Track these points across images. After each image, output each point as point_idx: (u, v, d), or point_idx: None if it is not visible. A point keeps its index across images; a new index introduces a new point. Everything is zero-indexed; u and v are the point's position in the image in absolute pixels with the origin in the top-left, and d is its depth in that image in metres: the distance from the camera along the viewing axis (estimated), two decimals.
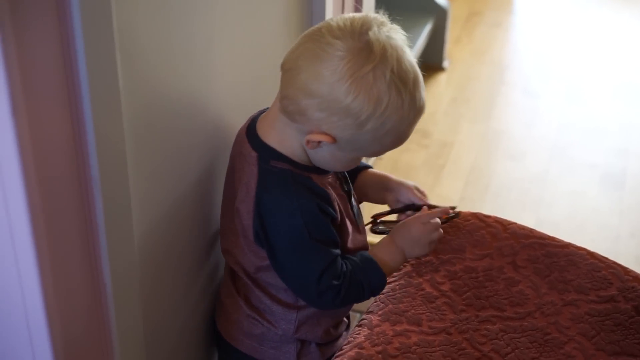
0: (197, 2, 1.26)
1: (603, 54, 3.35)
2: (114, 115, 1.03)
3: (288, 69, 1.19)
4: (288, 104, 1.19)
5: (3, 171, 0.89)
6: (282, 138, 1.24)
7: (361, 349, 1.28)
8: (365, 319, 1.34)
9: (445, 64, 3.17)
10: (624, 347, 1.31)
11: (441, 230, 1.35)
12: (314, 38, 1.17)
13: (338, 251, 1.26)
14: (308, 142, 1.20)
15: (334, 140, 1.19)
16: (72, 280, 1.03)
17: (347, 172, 1.38)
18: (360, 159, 1.31)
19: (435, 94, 3.01)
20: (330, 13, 1.73)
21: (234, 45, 1.38)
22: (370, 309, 1.37)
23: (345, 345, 1.30)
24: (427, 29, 2.99)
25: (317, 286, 1.24)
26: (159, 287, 1.30)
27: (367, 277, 1.28)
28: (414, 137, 2.70)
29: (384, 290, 1.38)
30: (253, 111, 1.36)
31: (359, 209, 1.38)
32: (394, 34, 1.18)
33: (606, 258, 1.46)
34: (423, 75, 1.21)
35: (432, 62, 3.15)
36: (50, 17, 0.90)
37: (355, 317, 1.95)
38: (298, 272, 1.26)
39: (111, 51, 1.00)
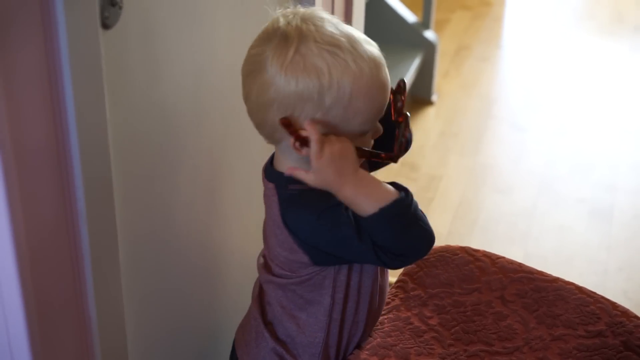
0: (185, 36, 1.26)
1: (591, 88, 3.37)
2: (101, 147, 1.03)
3: (245, 101, 1.20)
4: (262, 129, 1.19)
5: None
6: (288, 164, 1.19)
7: None
8: (353, 353, 1.33)
9: (434, 97, 3.18)
10: None
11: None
12: (245, 64, 1.18)
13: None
14: (295, 147, 1.15)
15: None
16: (57, 313, 1.02)
17: None
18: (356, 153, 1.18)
19: (424, 128, 3.01)
20: None
21: (223, 73, 1.38)
22: None
23: None
24: (416, 63, 3.00)
25: (372, 248, 1.16)
26: (145, 321, 1.29)
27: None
28: (402, 170, 2.74)
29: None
30: (248, 141, 1.35)
31: None
32: (309, 12, 1.17)
33: (594, 293, 1.46)
34: (412, 110, 1.20)
35: (420, 96, 3.15)
36: (39, 61, 0.90)
37: None
38: (350, 249, 1.18)
39: (99, 86, 1.00)
